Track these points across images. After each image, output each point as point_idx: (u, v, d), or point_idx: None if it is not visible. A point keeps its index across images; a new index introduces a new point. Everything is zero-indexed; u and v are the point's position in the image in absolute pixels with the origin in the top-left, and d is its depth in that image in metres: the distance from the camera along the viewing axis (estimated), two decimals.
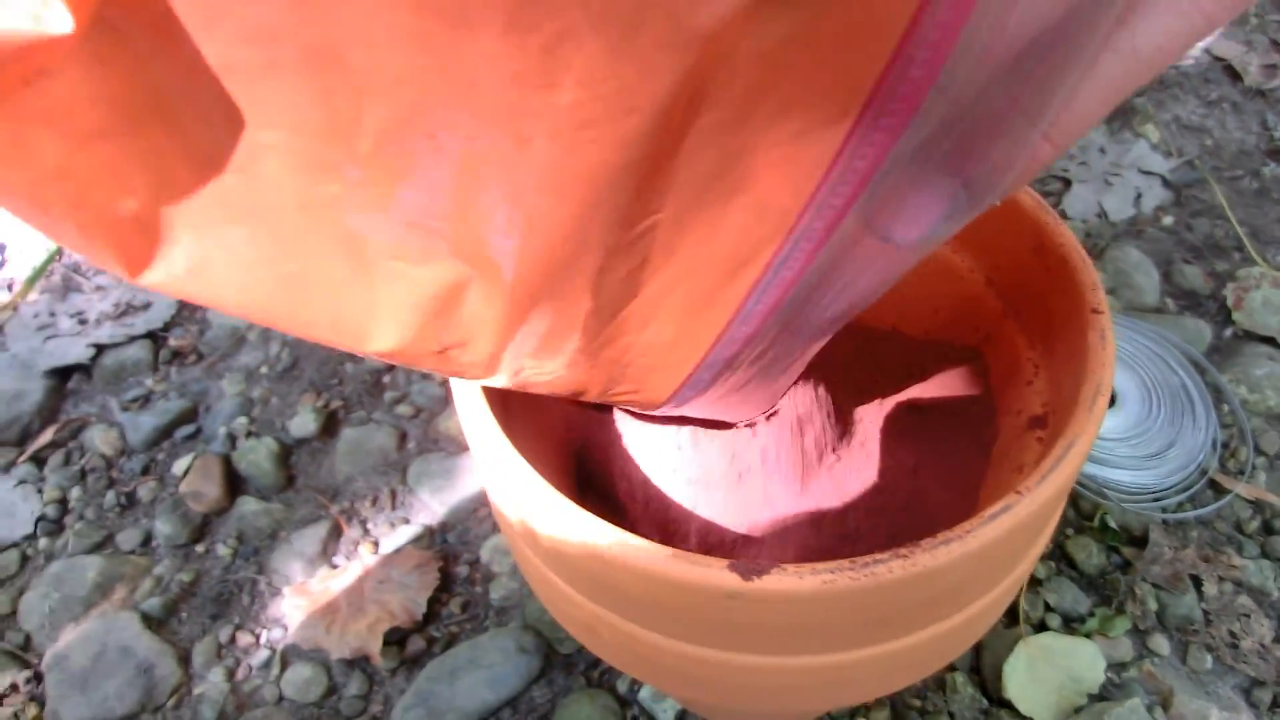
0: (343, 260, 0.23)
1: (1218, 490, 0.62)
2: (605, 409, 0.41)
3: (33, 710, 0.58)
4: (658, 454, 0.40)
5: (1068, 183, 0.81)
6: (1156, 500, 0.61)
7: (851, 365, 0.46)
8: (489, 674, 0.56)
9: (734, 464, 0.39)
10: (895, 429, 0.43)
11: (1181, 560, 0.58)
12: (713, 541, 0.38)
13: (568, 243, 0.23)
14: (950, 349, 0.47)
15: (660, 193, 0.23)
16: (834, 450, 0.41)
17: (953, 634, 0.35)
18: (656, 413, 0.35)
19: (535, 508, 0.32)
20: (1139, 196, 0.79)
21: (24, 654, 0.60)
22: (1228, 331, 0.71)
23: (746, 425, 0.39)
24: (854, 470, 0.41)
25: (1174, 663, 0.56)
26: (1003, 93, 0.22)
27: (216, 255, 0.21)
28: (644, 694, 0.55)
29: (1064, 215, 0.79)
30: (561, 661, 0.57)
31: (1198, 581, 0.58)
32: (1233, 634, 0.56)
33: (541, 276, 0.24)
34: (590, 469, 0.41)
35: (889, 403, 0.44)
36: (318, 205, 0.21)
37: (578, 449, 0.42)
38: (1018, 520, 0.31)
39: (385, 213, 0.21)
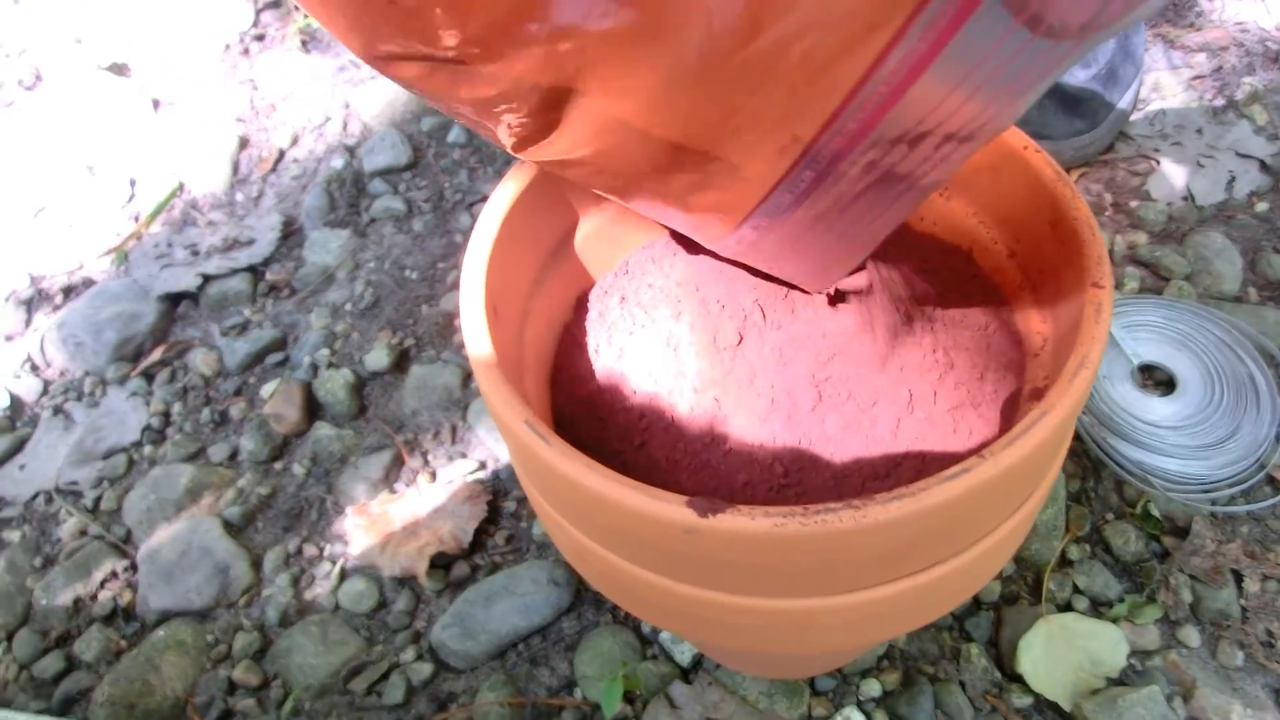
0: None
1: (1276, 486, 0.60)
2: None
3: (127, 595, 0.66)
4: (657, 363, 0.41)
5: (1156, 163, 0.78)
6: (1206, 492, 0.59)
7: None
8: (522, 602, 0.59)
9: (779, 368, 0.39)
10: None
11: (1224, 554, 0.57)
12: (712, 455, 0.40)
13: None
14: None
15: None
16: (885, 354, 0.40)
17: (922, 592, 0.37)
18: (729, 238, 0.33)
19: (522, 439, 0.34)
20: (1232, 180, 0.75)
21: (124, 545, 0.68)
22: None
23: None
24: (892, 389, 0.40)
25: (1202, 656, 0.55)
26: None
27: None
28: (665, 635, 0.58)
29: (1148, 197, 0.76)
30: (591, 598, 0.60)
31: (1239, 577, 0.57)
32: (1270, 633, 0.55)
33: None
34: (575, 390, 0.43)
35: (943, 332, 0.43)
36: None
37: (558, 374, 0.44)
38: (976, 483, 0.32)
39: None
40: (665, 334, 0.42)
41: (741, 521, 0.31)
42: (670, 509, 0.32)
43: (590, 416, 0.42)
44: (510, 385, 0.36)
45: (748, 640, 0.38)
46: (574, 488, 0.33)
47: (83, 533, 0.69)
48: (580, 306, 0.47)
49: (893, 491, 0.31)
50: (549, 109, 0.28)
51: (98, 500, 0.71)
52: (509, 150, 0.32)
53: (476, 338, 0.37)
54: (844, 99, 0.25)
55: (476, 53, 0.26)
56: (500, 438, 0.69)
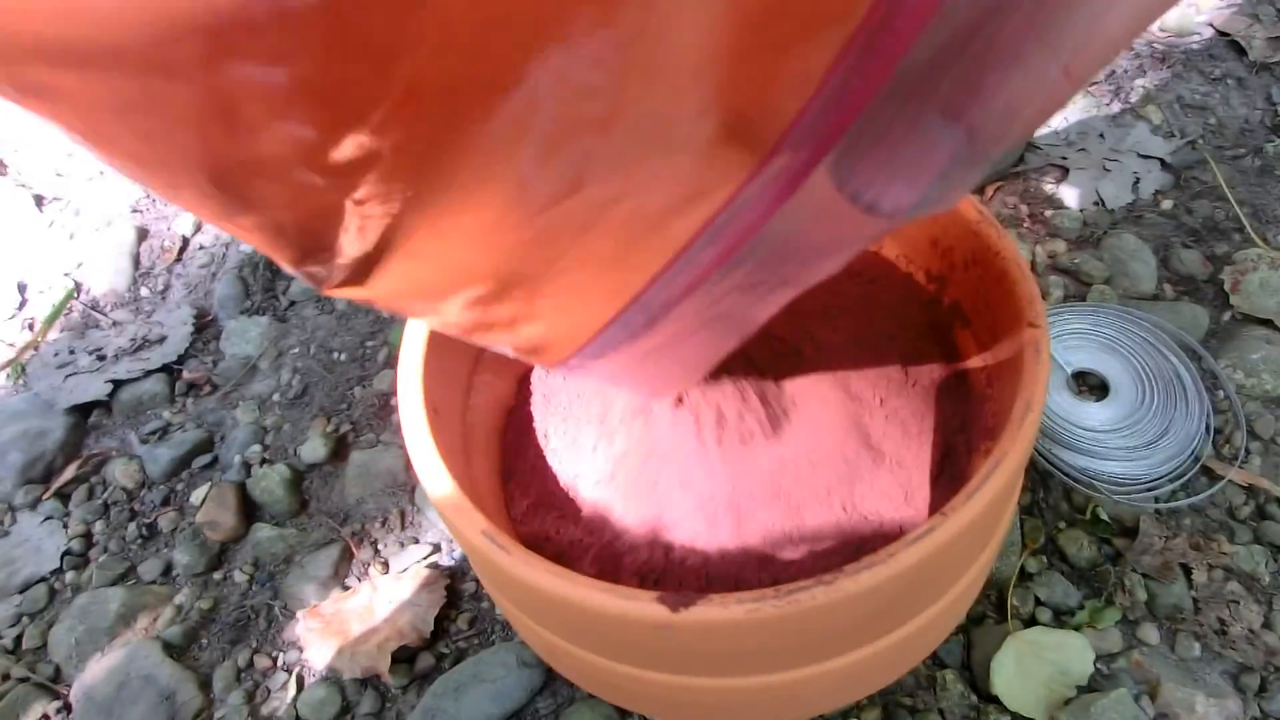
0: None
1: (1211, 477, 0.62)
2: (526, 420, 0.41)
3: None
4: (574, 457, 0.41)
5: (1065, 171, 0.80)
6: (1149, 490, 0.61)
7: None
8: (493, 688, 0.58)
9: (650, 461, 0.39)
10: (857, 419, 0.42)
11: (1171, 549, 0.58)
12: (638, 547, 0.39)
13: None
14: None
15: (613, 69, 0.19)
16: (765, 435, 0.40)
17: (900, 646, 0.36)
18: (563, 367, 0.32)
19: (483, 552, 0.33)
20: (1137, 181, 0.78)
21: (54, 685, 0.64)
22: (1226, 316, 0.70)
23: (667, 404, 0.39)
24: (793, 460, 0.40)
25: (1163, 651, 0.56)
26: (1019, 15, 0.19)
27: None
28: None
29: (1061, 204, 0.78)
30: None
31: (1188, 570, 0.58)
32: (1222, 621, 0.56)
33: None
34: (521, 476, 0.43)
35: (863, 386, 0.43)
36: None
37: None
38: (943, 541, 0.32)
39: None
40: (604, 415, 0.41)
41: (715, 611, 0.30)
42: (642, 607, 0.31)
43: (548, 506, 0.41)
44: (463, 492, 0.34)
45: (733, 716, 0.38)
46: (539, 594, 0.32)
47: (5, 677, 0.65)
48: (523, 387, 0.46)
49: (860, 561, 0.31)
50: (363, 270, 0.26)
51: (19, 639, 0.66)
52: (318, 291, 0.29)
53: (420, 446, 0.36)
54: (672, 257, 0.24)
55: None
56: None
